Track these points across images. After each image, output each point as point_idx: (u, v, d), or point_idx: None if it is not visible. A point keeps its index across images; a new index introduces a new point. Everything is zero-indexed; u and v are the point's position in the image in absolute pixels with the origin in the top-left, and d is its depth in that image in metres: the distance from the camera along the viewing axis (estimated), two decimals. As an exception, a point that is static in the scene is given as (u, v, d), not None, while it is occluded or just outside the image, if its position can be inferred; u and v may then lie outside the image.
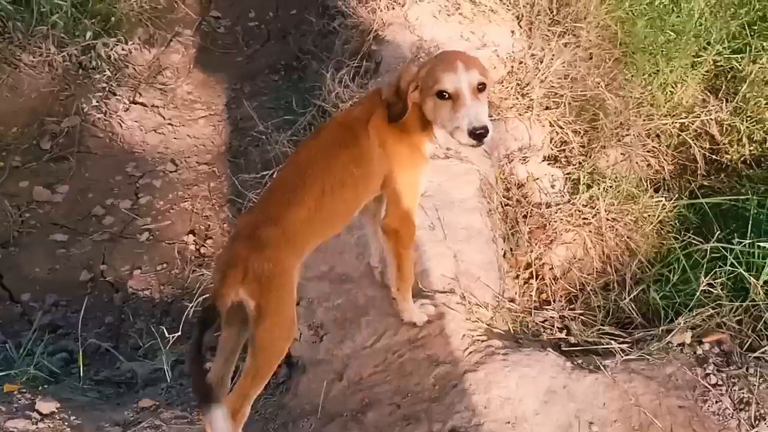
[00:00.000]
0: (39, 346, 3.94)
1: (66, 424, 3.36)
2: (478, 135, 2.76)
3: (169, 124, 5.95)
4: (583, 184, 4.37)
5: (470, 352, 3.35)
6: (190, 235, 5.08)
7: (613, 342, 3.47)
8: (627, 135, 4.78)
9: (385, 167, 3.03)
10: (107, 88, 5.95)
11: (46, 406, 3.42)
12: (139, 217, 5.24)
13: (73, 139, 5.65)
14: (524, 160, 4.50)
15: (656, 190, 4.65)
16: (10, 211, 5.14)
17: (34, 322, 4.37)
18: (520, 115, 4.61)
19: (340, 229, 3.20)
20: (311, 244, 3.01)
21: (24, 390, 3.58)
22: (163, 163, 5.66)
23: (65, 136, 5.67)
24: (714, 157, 5.17)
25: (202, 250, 5.01)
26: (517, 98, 4.68)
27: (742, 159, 5.28)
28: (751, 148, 5.27)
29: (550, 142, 4.66)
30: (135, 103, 6.01)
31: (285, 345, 2.84)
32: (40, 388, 3.65)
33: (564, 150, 4.65)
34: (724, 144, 5.33)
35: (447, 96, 2.79)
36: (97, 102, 5.86)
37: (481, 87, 2.80)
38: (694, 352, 3.42)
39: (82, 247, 4.99)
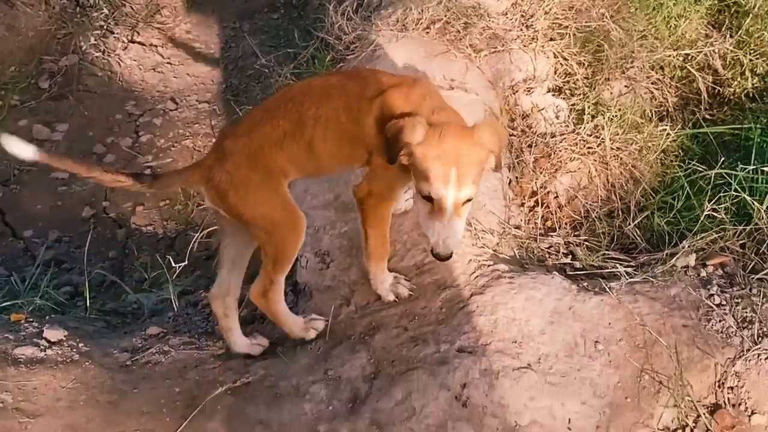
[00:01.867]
0: (44, 280, 3.95)
1: (74, 350, 3.38)
2: (439, 256, 2.76)
3: (168, 62, 5.91)
4: (588, 113, 4.35)
5: (476, 276, 3.36)
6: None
7: (618, 266, 3.48)
8: (631, 67, 4.75)
9: (371, 147, 2.97)
10: (105, 27, 5.91)
11: (53, 334, 3.44)
12: (140, 154, 5.23)
13: (71, 77, 5.62)
14: (529, 91, 4.47)
15: (660, 122, 4.62)
16: (10, 149, 5.10)
17: (38, 257, 4.38)
18: (524, 46, 4.57)
19: (324, 171, 3.22)
20: (289, 171, 3.05)
21: (31, 319, 3.60)
22: (163, 102, 5.63)
23: (63, 75, 5.63)
24: (717, 89, 5.14)
25: (203, 187, 4.99)
26: (521, 29, 4.64)
27: (744, 92, 5.24)
28: (754, 81, 5.23)
29: (555, 73, 4.62)
30: (133, 42, 5.96)
31: (283, 231, 3.05)
32: (46, 318, 3.66)
33: (568, 81, 4.62)
34: (727, 78, 5.29)
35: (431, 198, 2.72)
36: (95, 41, 5.81)
37: (468, 200, 2.74)
38: (698, 275, 3.44)
39: (84, 185, 4.98)
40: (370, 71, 3.13)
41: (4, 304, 3.66)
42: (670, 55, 4.96)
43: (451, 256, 2.77)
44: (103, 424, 3.05)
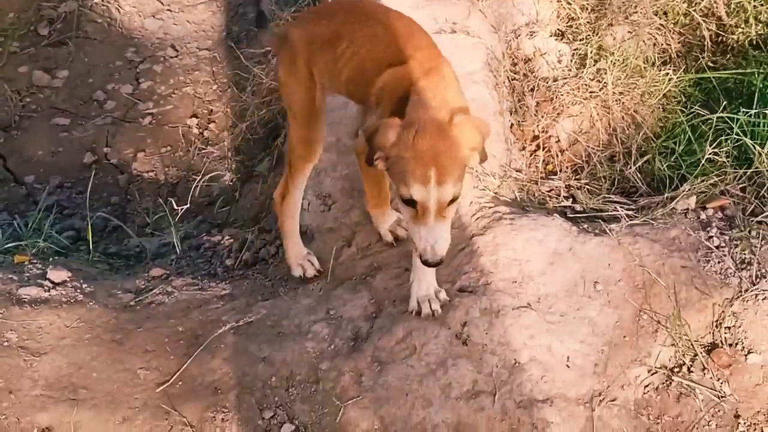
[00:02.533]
0: (46, 224, 3.96)
1: (78, 291, 3.42)
2: (427, 263, 2.63)
3: (167, 9, 5.85)
4: (591, 58, 4.33)
5: (477, 218, 3.38)
6: (193, 119, 5.05)
7: (618, 208, 3.50)
8: (635, 12, 4.71)
9: (371, 104, 2.92)
10: (103, -28, 5.84)
11: (57, 274, 3.47)
12: (141, 101, 5.20)
13: (70, 24, 5.56)
14: (531, 35, 4.45)
15: (663, 66, 4.60)
16: (10, 95, 5.10)
17: (40, 202, 4.39)
18: (526, -11, 4.55)
19: (341, 92, 3.17)
20: (322, 78, 3.08)
21: (35, 261, 3.63)
22: (163, 49, 5.58)
23: (63, 22, 5.57)
24: (721, 36, 5.10)
25: (206, 134, 4.99)
26: (523, -28, 4.61)
27: (748, 40, 5.20)
28: (758, 28, 5.19)
29: (557, 17, 4.60)
30: (132, -12, 5.90)
31: (298, 135, 3.22)
32: (50, 260, 3.69)
33: (571, 26, 4.59)
34: (730, 25, 5.25)
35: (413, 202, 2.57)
36: (94, -14, 5.75)
37: (453, 200, 2.58)
38: (698, 217, 3.45)
39: (85, 131, 4.97)
40: (415, 29, 3.01)
41: (7, 246, 3.68)
42: (673, 1, 4.91)
43: (441, 262, 2.63)
44: (108, 361, 3.10)
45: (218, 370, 3.05)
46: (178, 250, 3.77)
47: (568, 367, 2.95)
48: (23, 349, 3.13)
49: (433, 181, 2.48)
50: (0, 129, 4.93)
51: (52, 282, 3.44)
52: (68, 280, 3.47)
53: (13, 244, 3.71)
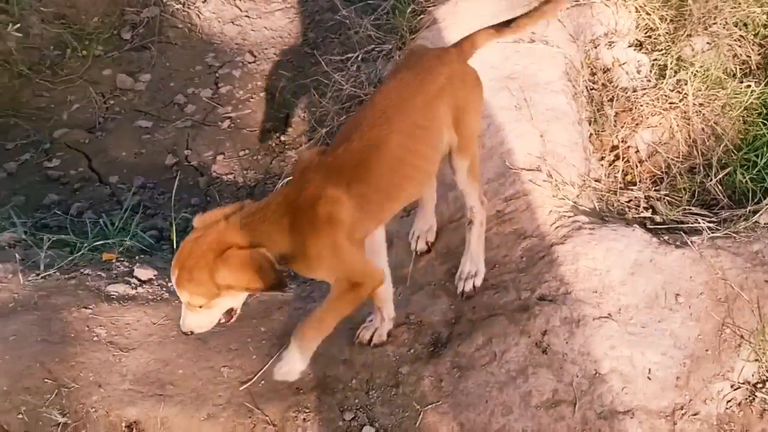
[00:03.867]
0: (132, 223, 4.08)
1: (164, 289, 3.52)
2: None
3: (245, 16, 5.97)
4: (671, 69, 4.30)
5: (557, 227, 3.39)
6: (270, 123, 5.15)
7: (699, 220, 3.47)
8: (714, 23, 4.66)
9: None
10: (185, -20, 5.98)
11: (144, 273, 3.58)
12: (220, 105, 5.31)
13: (153, 29, 5.72)
14: (610, 45, 4.43)
15: (744, 78, 4.54)
16: (95, 97, 5.25)
17: (124, 203, 4.52)
18: (606, 0, 4.53)
19: None
20: None
21: (122, 259, 3.74)
22: (242, 54, 5.70)
23: (145, 26, 5.73)
24: (803, 48, 5.02)
25: (283, 138, 5.07)
26: (603, -18, 4.60)
27: (831, 52, 5.12)
28: (841, 40, 5.10)
29: (636, 27, 4.57)
30: (211, -6, 6.03)
31: None
32: (136, 258, 3.80)
33: (650, 36, 4.56)
34: (813, 37, 5.16)
35: None
36: (175, -7, 5.90)
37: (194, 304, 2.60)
38: (782, 232, 3.41)
39: (166, 133, 5.10)
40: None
41: (95, 244, 3.80)
42: (754, 12, 4.85)
43: (188, 333, 2.71)
44: (192, 358, 3.18)
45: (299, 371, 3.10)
46: (258, 252, 3.84)
47: (649, 379, 2.94)
48: (112, 344, 3.23)
49: (174, 278, 2.56)
50: (85, 130, 5.08)
51: (139, 280, 3.55)
52: (154, 278, 3.58)
53: (101, 242, 3.82)
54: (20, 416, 2.99)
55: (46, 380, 3.05)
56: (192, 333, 2.71)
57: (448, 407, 2.92)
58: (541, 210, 3.45)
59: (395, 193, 2.83)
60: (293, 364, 2.75)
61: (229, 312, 2.71)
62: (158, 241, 4.21)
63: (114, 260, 3.70)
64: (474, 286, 3.23)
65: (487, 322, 3.09)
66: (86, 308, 3.34)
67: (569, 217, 3.43)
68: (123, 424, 3.01)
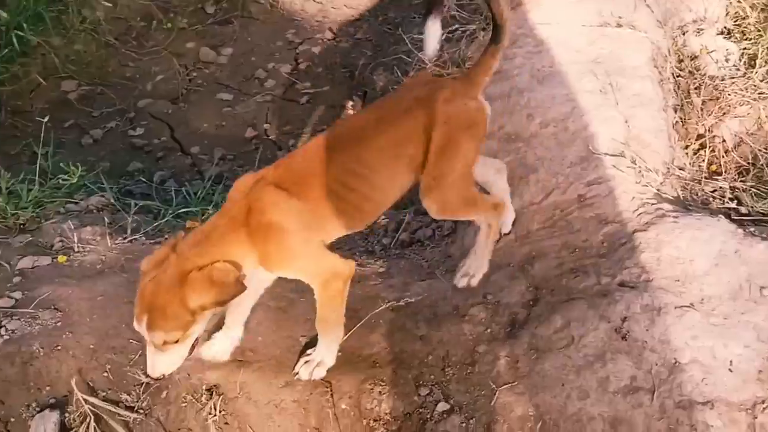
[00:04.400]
0: (214, 194, 4.16)
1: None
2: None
3: (326, -7, 6.02)
4: (761, 58, 4.21)
5: (640, 213, 3.35)
6: (349, 101, 5.18)
7: (787, 214, 3.41)
8: (807, 13, 4.55)
9: None
10: (263, -44, 6.04)
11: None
12: (299, 81, 5.37)
13: (236, 4, 5.81)
14: (698, 32, 4.35)
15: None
16: (179, 69, 5.37)
17: (205, 173, 4.61)
18: (696, -15, 4.46)
19: None
20: None
21: (205, 227, 3.81)
22: (321, 32, 5.76)
23: (228, 1, 5.83)
24: None
25: (361, 115, 5.10)
26: (693, -31, 4.51)
27: None
28: None
29: (726, 15, 4.48)
30: (293, -29, 6.08)
31: None
32: (217, 227, 3.86)
33: (740, 25, 4.47)
34: None
35: None
36: (258, -31, 5.97)
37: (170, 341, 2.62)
38: None
39: (246, 107, 5.19)
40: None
41: (179, 212, 3.89)
42: None
43: (159, 378, 2.76)
44: (273, 327, 3.24)
45: (376, 345, 3.15)
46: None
47: (730, 371, 2.89)
48: (195, 310, 3.30)
49: (144, 325, 2.57)
50: (168, 101, 5.19)
51: (220, 248, 3.61)
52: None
53: (185, 210, 3.91)
54: (105, 374, 3.09)
55: (131, 341, 3.13)
56: (164, 377, 2.76)
57: (524, 388, 2.92)
58: (623, 196, 3.41)
59: (332, 218, 2.85)
60: (323, 362, 3.01)
61: (194, 345, 2.77)
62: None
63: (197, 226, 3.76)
64: (469, 284, 3.25)
65: (566, 305, 3.08)
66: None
67: (652, 204, 3.39)
68: (204, 387, 3.08)
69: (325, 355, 3.01)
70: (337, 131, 2.84)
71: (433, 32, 3.02)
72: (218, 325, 3.11)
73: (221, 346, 3.11)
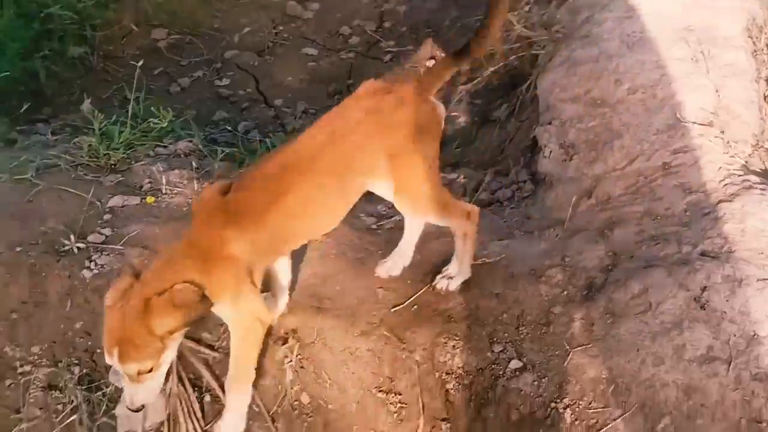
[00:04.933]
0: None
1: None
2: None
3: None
4: None
5: (725, 184, 3.30)
6: (432, 61, 5.18)
7: None
8: None
9: None
10: None
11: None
12: (383, 39, 5.39)
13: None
14: (796, 3, 4.23)
15: None
16: (266, 22, 5.42)
17: (288, 126, 4.69)
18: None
19: None
20: None
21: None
22: (406, -9, 5.75)
23: (311, -46, 5.85)
24: None
25: (443, 76, 5.10)
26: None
27: None
28: None
29: (827, -14, 4.33)
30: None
31: None
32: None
33: (842, -5, 4.32)
34: None
35: None
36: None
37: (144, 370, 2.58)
38: None
39: (330, 62, 5.23)
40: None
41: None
42: None
43: (140, 409, 2.72)
44: (350, 276, 3.30)
45: (452, 300, 3.18)
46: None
47: (809, 332, 2.85)
48: (275, 256, 3.38)
49: (116, 357, 2.53)
50: (255, 53, 5.27)
51: (302, 198, 3.68)
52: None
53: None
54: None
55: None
56: (143, 407, 2.74)
57: (598, 351, 2.93)
58: (709, 166, 3.37)
59: (291, 238, 2.88)
60: (235, 424, 2.94)
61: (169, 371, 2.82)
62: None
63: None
64: (447, 287, 3.22)
65: (645, 272, 3.06)
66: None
67: (739, 175, 3.34)
68: (282, 331, 3.17)
69: (230, 424, 2.96)
70: (290, 152, 2.78)
71: None
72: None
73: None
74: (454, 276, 3.22)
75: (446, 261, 3.26)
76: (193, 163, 3.83)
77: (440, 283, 3.23)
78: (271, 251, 2.87)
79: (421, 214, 3.07)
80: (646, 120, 3.58)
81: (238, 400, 2.93)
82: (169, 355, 2.64)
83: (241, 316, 2.81)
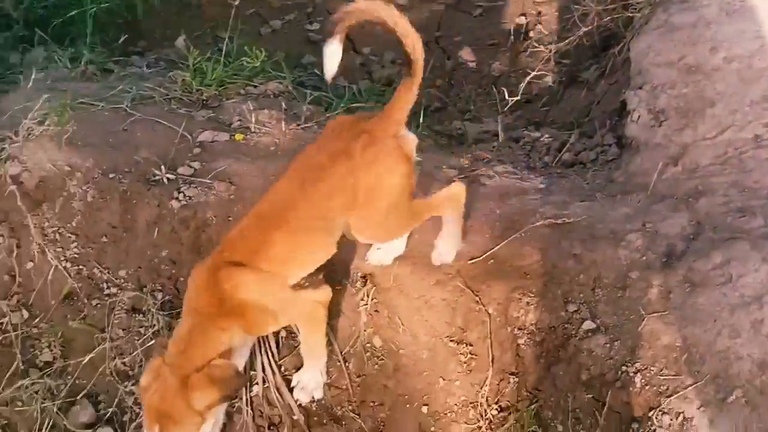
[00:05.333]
0: (384, 94, 4.25)
1: (409, 157, 3.67)
2: None
3: None
4: None
5: (818, 162, 3.24)
6: (522, 17, 5.13)
7: None
8: None
9: None
10: None
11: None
12: (480, -6, 5.33)
13: None
14: None
15: None
16: (358, -31, 5.41)
17: (374, 74, 4.71)
18: None
19: None
20: None
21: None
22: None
23: None
24: None
25: (531, 34, 5.06)
26: None
27: None
28: None
29: None
30: None
31: None
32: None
33: None
34: None
35: None
36: None
37: None
38: None
39: (420, 13, 5.20)
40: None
41: (350, 105, 4.03)
42: None
43: None
44: (428, 226, 3.31)
45: (529, 257, 3.19)
46: (500, 138, 3.92)
47: None
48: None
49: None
50: (346, 1, 5.26)
51: (387, 145, 3.72)
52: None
53: (355, 104, 4.04)
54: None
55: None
56: None
57: (674, 319, 2.92)
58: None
59: (290, 276, 2.89)
60: (315, 379, 3.10)
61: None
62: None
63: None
64: (441, 263, 3.22)
65: (728, 243, 3.03)
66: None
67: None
68: (359, 275, 3.24)
69: (310, 379, 3.12)
70: (268, 203, 2.83)
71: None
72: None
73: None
74: (443, 252, 3.22)
75: (524, 215, 3.28)
76: (283, 104, 3.90)
77: (435, 258, 3.22)
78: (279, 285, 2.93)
79: (383, 240, 3.15)
80: (740, 90, 3.52)
81: (314, 365, 3.08)
82: (208, 426, 2.74)
83: (295, 317, 2.96)
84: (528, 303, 3.10)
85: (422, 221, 3.06)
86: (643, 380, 2.85)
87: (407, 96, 2.86)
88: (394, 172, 2.84)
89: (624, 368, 2.89)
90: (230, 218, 3.33)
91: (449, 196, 3.08)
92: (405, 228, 3.08)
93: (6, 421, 3.37)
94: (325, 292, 2.99)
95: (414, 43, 2.79)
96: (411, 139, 2.94)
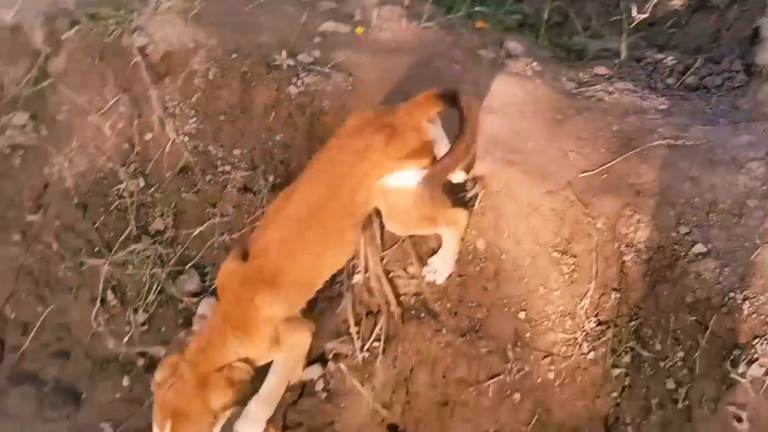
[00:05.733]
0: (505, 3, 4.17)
1: (528, 67, 3.64)
2: None
3: None
4: None
5: None
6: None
7: None
8: None
9: None
10: None
11: (514, 47, 3.74)
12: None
13: None
14: None
15: None
16: None
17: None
18: None
19: None
20: None
21: (494, 31, 3.88)
22: None
23: None
24: None
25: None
26: None
27: None
28: None
29: None
30: None
31: None
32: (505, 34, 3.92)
33: None
34: None
35: None
36: None
37: None
38: None
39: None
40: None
41: (474, 9, 3.96)
42: None
43: None
44: (545, 135, 3.31)
45: (644, 176, 3.14)
46: (622, 56, 3.83)
47: None
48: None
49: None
50: None
51: (508, 53, 3.68)
52: (521, 54, 3.70)
53: (478, 8, 3.97)
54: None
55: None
56: None
57: (789, 250, 2.86)
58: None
59: (318, 279, 3.03)
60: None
61: None
62: (519, 25, 4.28)
63: (486, 29, 3.84)
64: (435, 281, 3.22)
65: None
66: (456, 64, 3.54)
67: None
68: (471, 176, 3.24)
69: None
70: (293, 207, 2.87)
71: None
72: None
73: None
74: (438, 270, 3.23)
75: (642, 133, 3.23)
76: (405, 1, 3.87)
77: (429, 276, 3.23)
78: (302, 297, 3.00)
79: (412, 231, 3.17)
80: None
81: (300, 377, 3.20)
82: (217, 428, 2.79)
83: (291, 353, 2.96)
84: (639, 221, 3.06)
85: (433, 228, 3.12)
86: (750, 308, 2.80)
87: (428, 106, 2.91)
88: (415, 161, 2.88)
89: (732, 294, 2.84)
90: (345, 108, 3.36)
91: (455, 219, 3.13)
92: (424, 224, 3.09)
93: (116, 282, 3.51)
94: (312, 327, 3.02)
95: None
96: (429, 130, 2.95)
